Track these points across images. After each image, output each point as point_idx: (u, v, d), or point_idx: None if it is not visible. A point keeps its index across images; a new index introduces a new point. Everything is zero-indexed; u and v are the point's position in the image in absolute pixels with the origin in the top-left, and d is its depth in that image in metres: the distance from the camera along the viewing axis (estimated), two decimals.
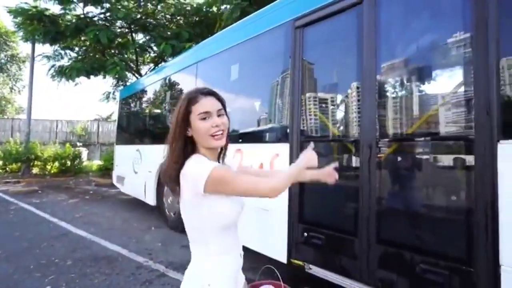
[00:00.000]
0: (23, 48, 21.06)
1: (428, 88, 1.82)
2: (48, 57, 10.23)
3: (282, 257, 2.42)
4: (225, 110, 1.00)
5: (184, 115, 0.94)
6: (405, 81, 1.90)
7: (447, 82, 1.73)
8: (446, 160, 1.70)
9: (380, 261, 1.85)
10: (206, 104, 0.94)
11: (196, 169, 0.89)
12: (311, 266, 2.26)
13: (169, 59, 10.23)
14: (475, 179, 1.50)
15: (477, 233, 1.47)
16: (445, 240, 1.63)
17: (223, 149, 1.07)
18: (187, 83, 4.21)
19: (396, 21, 1.97)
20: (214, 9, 8.99)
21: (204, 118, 0.93)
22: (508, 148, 1.39)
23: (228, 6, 6.95)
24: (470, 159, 1.54)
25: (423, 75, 1.83)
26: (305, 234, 2.30)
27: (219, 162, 1.04)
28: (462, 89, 1.63)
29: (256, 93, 3.10)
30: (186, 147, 0.96)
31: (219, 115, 0.96)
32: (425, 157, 1.79)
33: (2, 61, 20.98)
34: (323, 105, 2.38)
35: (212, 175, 0.87)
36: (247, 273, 1.11)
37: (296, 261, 2.35)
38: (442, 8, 1.76)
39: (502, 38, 1.44)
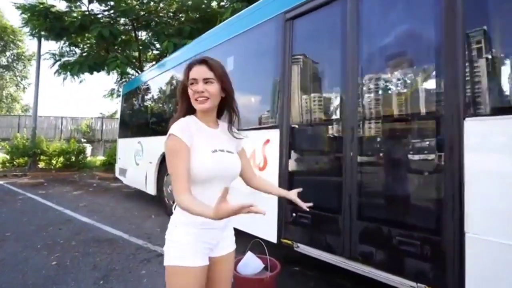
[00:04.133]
0: (29, 46, 21.44)
1: (404, 72, 1.94)
2: (54, 55, 10.49)
3: (273, 237, 2.56)
4: (220, 79, 1.07)
5: (183, 80, 1.10)
6: (384, 67, 2.02)
7: (421, 65, 1.85)
8: (418, 139, 1.82)
9: (361, 236, 1.98)
10: (195, 72, 1.06)
11: (172, 126, 1.04)
12: (299, 244, 2.39)
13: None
14: (443, 157, 1.62)
15: (445, 205, 1.59)
16: (417, 213, 1.76)
17: (231, 120, 1.19)
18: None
19: (377, 13, 2.09)
20: (214, 4, 9.13)
21: (192, 83, 1.06)
22: (473, 125, 1.51)
23: (227, 2, 7.08)
24: (439, 137, 1.66)
25: (400, 60, 1.95)
26: (294, 214, 2.43)
27: (229, 130, 1.18)
28: (433, 71, 1.75)
29: (250, 83, 3.23)
30: (188, 107, 1.11)
31: (206, 82, 1.05)
32: (399, 137, 1.91)
33: (9, 59, 21.40)
34: (311, 94, 2.50)
35: (167, 140, 1.02)
36: (240, 255, 1.26)
37: (285, 241, 2.48)
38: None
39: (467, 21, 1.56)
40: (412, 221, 1.76)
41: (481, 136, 1.51)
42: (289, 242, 2.45)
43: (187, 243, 1.03)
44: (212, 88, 1.06)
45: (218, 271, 1.14)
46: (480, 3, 1.57)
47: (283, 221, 2.51)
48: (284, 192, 1.32)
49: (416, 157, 1.81)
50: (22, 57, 21.57)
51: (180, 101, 1.14)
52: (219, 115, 1.22)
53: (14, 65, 21.74)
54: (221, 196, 0.83)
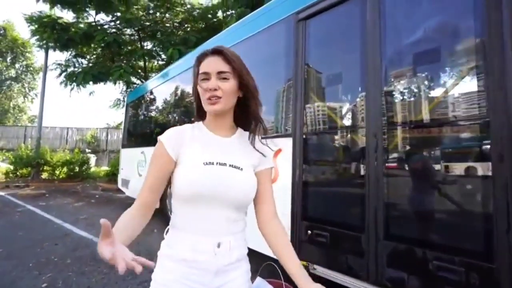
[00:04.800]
0: (38, 58, 21.86)
1: (436, 75, 1.73)
2: (60, 65, 10.56)
3: None
4: (238, 73, 0.84)
5: (195, 76, 0.88)
6: (410, 73, 1.81)
7: (454, 69, 1.63)
8: (457, 146, 1.58)
9: (389, 259, 1.72)
10: (207, 64, 0.84)
11: (165, 131, 0.89)
12: (315, 266, 2.14)
13: None
14: (491, 165, 1.38)
15: (496, 222, 1.34)
16: (460, 232, 1.51)
17: (254, 128, 0.90)
18: (191, 84, 4.22)
19: (399, 11, 1.90)
20: (220, 14, 9.14)
21: (204, 79, 0.84)
22: None
23: (233, 12, 7.05)
24: (485, 143, 1.43)
25: (428, 66, 1.74)
26: (309, 232, 2.18)
27: (251, 141, 0.90)
28: (474, 71, 1.53)
29: (262, 88, 3.04)
30: (200, 110, 0.90)
31: (221, 78, 0.82)
32: (433, 144, 1.68)
33: (18, 71, 21.79)
34: (327, 98, 2.30)
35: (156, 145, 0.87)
36: (253, 274, 0.95)
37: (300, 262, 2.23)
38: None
39: None
40: (454, 242, 1.51)
41: None
42: (304, 263, 2.19)
43: (167, 281, 0.81)
44: (227, 85, 0.83)
45: None
46: None
47: (297, 239, 2.26)
48: (300, 281, 0.80)
49: (456, 166, 1.57)
50: (31, 68, 21.97)
51: (195, 101, 0.93)
52: (241, 123, 0.94)
53: (23, 76, 22.12)
54: (103, 231, 0.60)
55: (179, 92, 4.68)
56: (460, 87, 1.59)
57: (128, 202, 6.63)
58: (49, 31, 9.19)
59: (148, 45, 10.97)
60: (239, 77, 0.84)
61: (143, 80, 11.38)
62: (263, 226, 0.91)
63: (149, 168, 0.85)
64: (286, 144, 2.41)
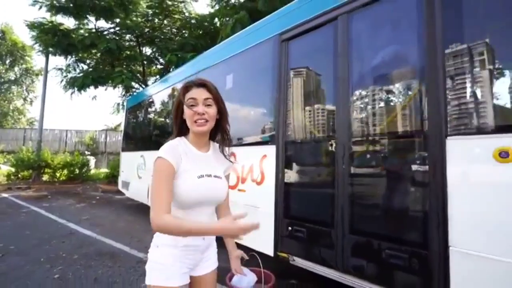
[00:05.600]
0: (37, 61, 22.07)
1: (390, 92, 2.05)
2: (60, 70, 10.85)
3: (269, 250, 2.62)
4: (217, 101, 1.08)
5: (179, 101, 1.09)
6: (372, 88, 2.13)
7: (405, 87, 1.96)
8: (404, 156, 1.90)
9: (353, 250, 2.04)
10: (195, 92, 1.05)
11: (160, 149, 1.04)
12: (294, 258, 2.45)
13: (174, 69, 10.73)
14: (428, 173, 1.71)
15: (430, 220, 1.66)
16: (405, 227, 1.83)
17: (224, 141, 1.17)
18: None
19: (366, 34, 2.22)
20: (217, 21, 9.45)
21: (192, 105, 1.04)
22: (455, 144, 1.61)
23: (230, 19, 7.36)
24: (423, 154, 1.75)
25: (386, 81, 2.07)
26: (290, 228, 2.50)
27: (223, 153, 1.16)
28: (417, 92, 1.86)
29: (248, 101, 3.36)
30: (182, 128, 1.11)
31: (206, 105, 1.05)
32: (388, 154, 2.00)
33: (17, 74, 22.00)
34: (306, 111, 2.62)
35: (155, 162, 1.01)
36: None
37: (282, 254, 2.54)
38: (401, 24, 2.01)
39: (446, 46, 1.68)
40: (401, 235, 1.83)
41: (462, 153, 1.59)
42: (285, 255, 2.50)
43: (167, 263, 1.04)
44: (211, 110, 1.06)
45: None
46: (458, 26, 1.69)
47: (280, 235, 2.57)
48: (230, 247, 1.27)
49: (403, 173, 1.89)
50: (30, 72, 22.15)
51: (174, 121, 1.13)
52: (212, 137, 1.19)
53: (22, 79, 22.30)
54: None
55: (176, 99, 4.98)
56: (405, 104, 1.91)
57: (128, 203, 6.93)
58: (50, 37, 9.48)
59: (146, 50, 11.26)
60: (217, 104, 1.09)
61: (142, 84, 11.68)
62: (221, 213, 1.24)
63: (159, 184, 0.98)
64: (270, 151, 2.73)
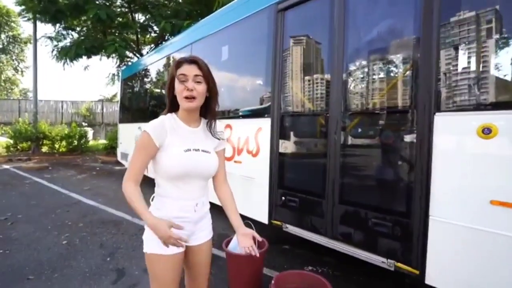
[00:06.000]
0: (25, 28, 21.05)
1: (384, 68, 2.05)
2: (50, 38, 10.41)
3: (264, 219, 2.78)
4: (207, 79, 1.10)
5: (171, 77, 1.12)
6: (366, 62, 2.12)
7: (399, 63, 1.95)
8: (393, 131, 1.96)
9: (341, 218, 2.18)
10: (186, 68, 1.08)
11: (149, 123, 1.09)
12: (287, 225, 2.61)
13: (170, 38, 10.33)
14: (415, 148, 1.77)
15: (414, 192, 1.77)
16: (390, 198, 1.94)
17: (210, 121, 1.19)
18: None
19: (362, 6, 2.16)
20: None
21: (182, 81, 1.08)
22: (443, 120, 1.65)
23: None
24: (413, 129, 1.81)
25: (381, 56, 2.05)
26: (283, 198, 2.63)
27: (210, 130, 1.18)
28: (409, 69, 1.86)
29: (244, 74, 3.33)
30: (174, 103, 1.15)
31: (195, 81, 1.08)
32: (377, 129, 2.05)
33: (4, 42, 21.06)
34: (300, 85, 2.62)
35: (141, 133, 1.08)
36: (231, 233, 1.27)
37: (275, 222, 2.70)
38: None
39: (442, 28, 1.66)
40: (386, 205, 1.95)
41: (449, 129, 1.65)
42: (279, 223, 2.66)
43: None
44: (200, 87, 1.09)
45: (197, 259, 1.22)
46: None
47: (274, 204, 2.71)
48: (236, 224, 1.22)
49: (392, 147, 1.96)
50: (18, 39, 21.21)
51: (167, 96, 1.16)
52: (203, 114, 1.21)
53: (10, 48, 21.42)
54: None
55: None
56: (399, 80, 1.92)
57: None
58: (36, 3, 8.97)
59: (140, 18, 10.74)
60: (207, 82, 1.11)
61: (136, 54, 11.31)
62: (218, 188, 1.29)
63: (136, 155, 1.07)
64: (265, 124, 2.77)
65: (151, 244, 1.10)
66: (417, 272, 1.75)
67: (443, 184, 1.65)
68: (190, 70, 1.08)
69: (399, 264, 1.84)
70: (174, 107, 1.17)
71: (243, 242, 1.18)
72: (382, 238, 1.94)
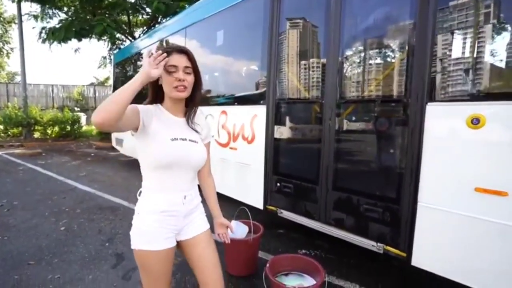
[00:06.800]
0: (7, 7, 20.07)
1: (379, 57, 2.05)
2: (35, 17, 9.99)
3: (259, 204, 2.85)
4: (196, 71, 1.11)
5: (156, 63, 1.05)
6: (362, 50, 2.12)
7: (393, 52, 1.96)
8: (386, 120, 1.99)
9: (334, 204, 2.25)
10: (176, 59, 1.07)
11: None
12: (282, 210, 2.68)
13: (163, 20, 10.01)
14: (407, 137, 1.82)
15: (404, 179, 1.83)
16: (381, 185, 2.00)
17: (193, 109, 1.18)
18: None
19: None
20: None
21: (172, 72, 1.06)
22: (434, 110, 1.69)
23: None
24: (405, 119, 1.84)
25: (377, 45, 2.05)
26: (278, 184, 2.69)
27: (187, 120, 1.16)
28: (404, 60, 1.87)
29: (239, 60, 3.29)
30: (158, 93, 1.14)
31: (186, 72, 1.08)
32: (371, 117, 2.08)
33: None
34: (297, 69, 2.61)
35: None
36: (230, 217, 1.32)
37: (270, 207, 2.77)
38: None
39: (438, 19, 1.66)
40: (377, 192, 2.01)
41: (440, 119, 1.68)
42: (274, 208, 2.74)
43: (149, 228, 1.08)
44: (190, 78, 1.09)
45: (198, 252, 1.17)
46: None
47: (269, 190, 2.78)
48: (215, 214, 1.29)
49: (384, 136, 2.01)
50: (1, 19, 20.27)
51: (151, 87, 1.13)
52: (188, 105, 1.19)
53: None
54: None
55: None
56: (393, 70, 1.94)
57: (122, 159, 7.09)
58: None
59: None
60: (196, 74, 1.12)
61: (128, 36, 10.98)
62: (202, 180, 1.29)
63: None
64: (261, 111, 2.78)
65: (138, 240, 1.09)
66: (404, 254, 1.84)
67: (431, 172, 1.71)
68: (180, 61, 1.07)
69: (388, 248, 1.94)
70: (157, 98, 1.15)
71: (218, 230, 1.31)
72: (373, 223, 2.02)
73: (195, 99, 1.17)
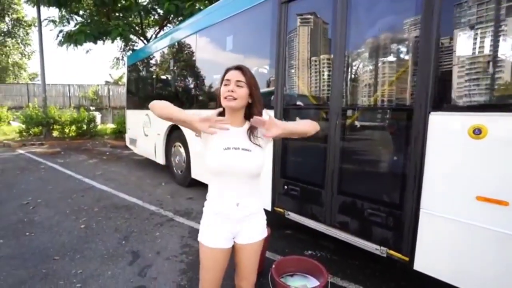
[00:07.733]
0: (28, 11, 20.85)
1: (385, 66, 2.09)
2: (54, 22, 10.38)
3: (268, 206, 2.94)
4: (249, 85, 1.19)
5: (221, 81, 1.25)
6: (369, 58, 2.16)
7: (397, 63, 2.00)
8: (391, 128, 2.04)
9: (340, 208, 2.32)
10: (230, 74, 1.21)
11: None
12: (289, 212, 2.77)
13: (174, 20, 10.20)
14: (410, 144, 1.86)
15: (408, 186, 1.87)
16: (385, 191, 2.06)
17: (252, 127, 1.21)
18: (188, 51, 4.49)
19: (364, 5, 2.16)
20: None
21: (226, 84, 1.21)
22: (437, 119, 1.73)
23: None
24: (409, 127, 1.88)
25: (383, 53, 2.09)
26: (285, 187, 2.77)
27: (249, 136, 1.21)
28: (408, 69, 1.91)
29: (248, 64, 3.36)
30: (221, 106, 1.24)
31: (237, 85, 1.18)
32: (376, 125, 2.13)
33: (9, 24, 20.98)
34: (303, 78, 2.67)
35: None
36: None
37: (278, 209, 2.86)
38: None
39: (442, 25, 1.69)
40: (381, 197, 2.07)
41: (442, 128, 1.72)
42: (281, 210, 2.82)
43: (210, 227, 1.24)
44: (241, 91, 1.18)
45: (239, 258, 1.30)
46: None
47: (277, 192, 2.86)
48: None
49: (388, 143, 2.05)
50: (23, 22, 21.09)
51: (218, 99, 1.26)
52: (248, 119, 1.24)
53: (15, 31, 21.36)
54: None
55: (181, 57, 4.90)
56: (396, 78, 1.98)
57: (137, 158, 7.33)
58: None
59: (143, 0, 10.56)
60: (250, 88, 1.20)
61: (140, 37, 11.24)
62: None
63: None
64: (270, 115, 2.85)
65: (200, 234, 1.27)
66: (406, 259, 1.90)
67: (434, 179, 1.75)
68: (233, 76, 1.20)
69: (391, 251, 1.99)
70: (222, 112, 1.25)
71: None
72: (376, 227, 2.08)
73: (253, 113, 1.21)
